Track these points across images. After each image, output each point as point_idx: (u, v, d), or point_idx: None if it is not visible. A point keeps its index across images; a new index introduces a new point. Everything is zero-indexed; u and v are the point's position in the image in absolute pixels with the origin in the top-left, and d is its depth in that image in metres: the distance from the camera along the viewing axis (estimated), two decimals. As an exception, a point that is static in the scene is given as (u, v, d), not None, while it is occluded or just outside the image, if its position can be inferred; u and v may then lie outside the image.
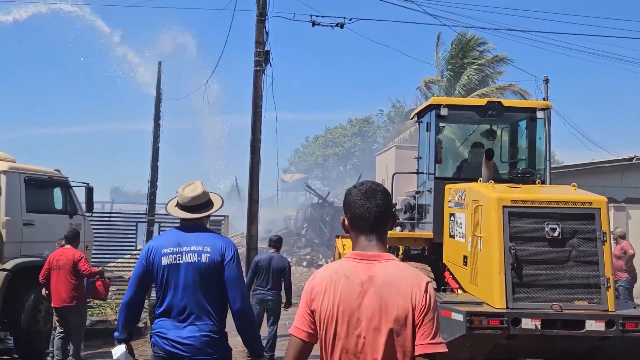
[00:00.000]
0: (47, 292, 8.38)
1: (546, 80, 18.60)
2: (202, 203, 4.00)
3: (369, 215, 2.36)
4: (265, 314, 8.96)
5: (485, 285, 6.60)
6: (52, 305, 8.34)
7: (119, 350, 3.93)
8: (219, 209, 4.13)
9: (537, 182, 7.82)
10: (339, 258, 13.46)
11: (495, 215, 6.46)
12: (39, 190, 9.96)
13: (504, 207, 6.45)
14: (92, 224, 13.85)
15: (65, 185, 10.40)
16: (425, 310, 2.23)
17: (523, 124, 9.21)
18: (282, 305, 9.26)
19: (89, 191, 10.56)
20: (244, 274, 5.87)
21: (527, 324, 6.04)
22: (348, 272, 2.31)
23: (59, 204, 10.32)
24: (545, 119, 8.98)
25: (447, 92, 34.19)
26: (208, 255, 3.77)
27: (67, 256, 8.28)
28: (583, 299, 6.30)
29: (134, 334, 4.09)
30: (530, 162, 9.02)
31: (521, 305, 6.22)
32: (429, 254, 8.87)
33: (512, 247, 6.30)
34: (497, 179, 8.50)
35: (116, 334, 3.99)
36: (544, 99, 17.20)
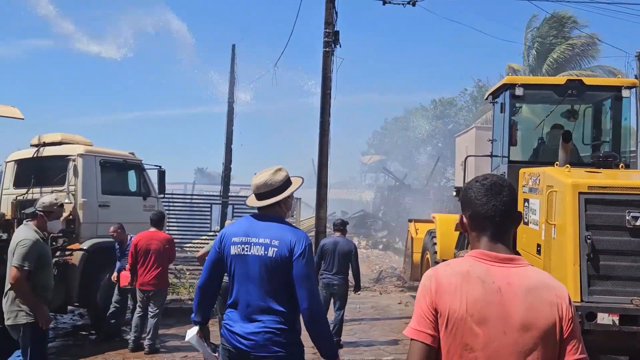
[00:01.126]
0: (116, 277, 8.70)
1: (639, 56, 17.34)
2: (272, 190, 3.68)
3: (495, 213, 2.11)
4: (332, 299, 8.87)
5: (560, 276, 6.18)
6: (137, 287, 8.46)
7: (191, 332, 3.89)
8: (294, 191, 3.81)
9: (620, 166, 7.26)
10: (411, 243, 13.24)
11: (570, 202, 6.03)
12: (113, 172, 10.25)
13: (580, 193, 6.00)
14: (172, 205, 14.26)
15: (139, 168, 10.65)
16: (572, 322, 2.02)
17: (608, 104, 8.61)
18: (350, 289, 9.14)
19: (161, 174, 10.78)
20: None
21: (604, 319, 5.62)
22: (482, 274, 2.05)
23: (133, 186, 10.59)
24: (638, 97, 8.37)
25: (533, 72, 32.86)
26: (275, 249, 3.50)
27: (159, 239, 8.42)
28: (668, 294, 5.79)
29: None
30: (615, 144, 8.41)
31: (597, 299, 5.79)
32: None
33: (589, 237, 5.86)
34: (578, 163, 7.99)
35: (192, 315, 3.93)
36: (636, 77, 16.08)
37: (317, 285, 3.79)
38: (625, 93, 7.95)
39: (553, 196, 6.42)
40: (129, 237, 9.05)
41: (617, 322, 5.58)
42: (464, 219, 2.20)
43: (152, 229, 8.59)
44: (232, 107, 14.94)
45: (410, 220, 13.91)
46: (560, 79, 8.15)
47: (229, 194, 15.07)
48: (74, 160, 9.61)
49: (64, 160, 9.67)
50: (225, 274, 3.73)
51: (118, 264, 9.19)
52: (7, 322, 5.32)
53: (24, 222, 5.79)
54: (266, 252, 3.50)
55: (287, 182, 3.79)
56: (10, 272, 5.27)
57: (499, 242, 2.12)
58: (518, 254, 2.18)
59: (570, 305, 2.04)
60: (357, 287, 9.16)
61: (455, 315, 2.03)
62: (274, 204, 3.69)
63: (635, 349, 5.94)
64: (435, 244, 10.56)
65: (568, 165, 6.72)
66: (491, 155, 9.32)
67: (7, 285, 5.36)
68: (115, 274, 9.06)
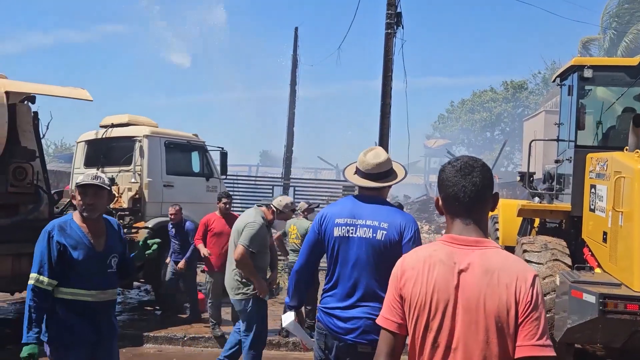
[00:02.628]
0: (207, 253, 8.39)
1: None
2: (384, 171, 3.57)
3: (464, 195, 2.05)
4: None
5: (625, 265, 5.96)
6: (211, 270, 8.43)
7: (288, 317, 3.79)
8: (402, 179, 3.72)
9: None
10: (493, 228, 12.96)
11: (638, 189, 5.77)
12: (178, 153, 10.51)
13: (648, 179, 5.73)
14: (235, 187, 14.51)
15: (202, 149, 10.88)
16: (531, 306, 1.92)
17: (686, 86, 8.15)
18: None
19: (223, 155, 10.97)
20: None
21: (671, 311, 5.37)
22: (444, 257, 2.04)
23: (196, 167, 10.82)
24: None
25: (608, 54, 31.52)
26: (384, 232, 3.36)
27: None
28: None
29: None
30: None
31: (665, 290, 5.54)
32: (567, 228, 8.21)
33: (657, 224, 5.60)
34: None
35: (287, 299, 3.84)
36: None
37: None
38: (703, 74, 7.50)
39: (621, 182, 6.16)
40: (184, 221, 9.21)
41: (686, 315, 5.33)
42: (439, 201, 2.15)
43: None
44: (294, 90, 15.02)
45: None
46: (633, 60, 7.76)
47: (290, 176, 15.20)
48: (139, 141, 9.90)
49: (130, 141, 9.99)
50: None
51: (172, 247, 9.32)
52: (235, 297, 5.82)
53: (255, 205, 6.22)
54: (374, 235, 3.38)
55: (392, 165, 3.70)
56: (237, 249, 5.66)
57: (471, 223, 2.07)
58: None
59: (532, 288, 1.94)
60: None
61: (417, 299, 2.03)
62: (384, 187, 3.60)
63: None
64: (497, 229, 10.32)
65: (638, 151, 6.42)
66: (557, 140, 9.02)
67: (232, 264, 5.81)
68: (169, 259, 9.30)
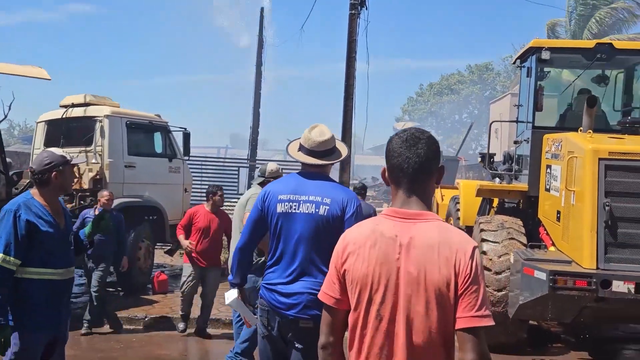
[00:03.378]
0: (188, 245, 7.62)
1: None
2: (329, 149, 3.61)
3: (408, 166, 2.05)
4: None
5: (576, 243, 6.11)
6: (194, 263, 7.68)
7: (231, 295, 3.78)
8: (344, 158, 3.77)
9: (647, 132, 7.05)
10: (436, 209, 13.15)
11: (589, 168, 5.91)
12: (140, 134, 10.39)
13: (599, 159, 5.87)
14: (204, 169, 14.44)
15: (164, 130, 10.77)
16: (470, 279, 1.94)
17: (640, 69, 8.34)
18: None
19: (186, 136, 10.87)
20: None
21: (619, 286, 5.53)
22: (386, 231, 2.03)
23: (158, 148, 10.72)
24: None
25: (574, 37, 31.93)
26: (327, 207, 3.38)
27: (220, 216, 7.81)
28: (687, 263, 5.67)
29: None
30: (645, 111, 8.17)
31: (613, 267, 5.70)
32: (525, 208, 8.38)
33: (607, 203, 5.75)
34: (606, 129, 7.80)
35: (230, 277, 3.83)
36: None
37: None
38: (657, 56, 7.68)
39: (573, 162, 6.30)
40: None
41: (632, 290, 5.50)
42: (385, 172, 2.16)
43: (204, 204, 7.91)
44: (260, 71, 14.94)
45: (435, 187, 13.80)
46: (589, 42, 7.91)
47: (257, 157, 15.18)
48: (100, 121, 9.76)
49: (91, 121, 9.84)
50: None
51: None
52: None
53: (253, 183, 6.07)
54: (317, 210, 3.40)
55: (335, 142, 3.74)
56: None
57: (414, 195, 2.08)
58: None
59: (471, 261, 1.97)
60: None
61: (359, 274, 2.05)
62: (328, 164, 3.63)
63: (650, 317, 5.86)
64: (458, 210, 10.48)
65: (590, 131, 6.56)
66: (517, 121, 9.15)
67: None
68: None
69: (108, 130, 9.76)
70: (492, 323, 1.95)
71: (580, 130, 6.91)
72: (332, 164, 3.68)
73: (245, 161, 15.04)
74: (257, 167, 14.72)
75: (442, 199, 12.89)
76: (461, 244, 2.00)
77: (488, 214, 8.86)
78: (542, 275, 5.70)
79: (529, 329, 7.67)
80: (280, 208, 3.48)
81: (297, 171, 3.75)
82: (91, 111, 10.00)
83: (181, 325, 7.79)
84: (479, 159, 10.33)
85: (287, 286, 3.41)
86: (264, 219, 3.55)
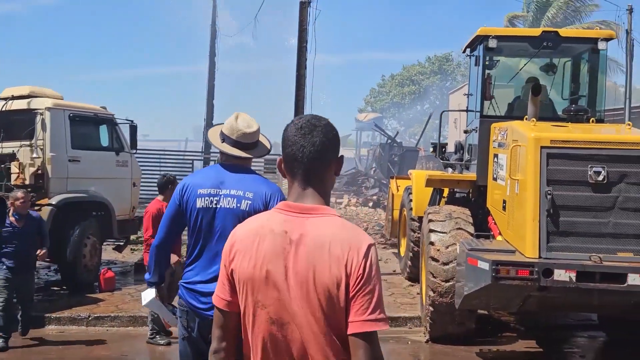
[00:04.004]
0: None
1: (630, 10, 16.82)
2: (256, 141, 3.47)
3: (302, 155, 1.89)
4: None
5: (519, 232, 6.09)
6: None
7: (148, 295, 3.61)
8: (268, 152, 3.63)
9: (591, 120, 7.07)
10: (392, 199, 13.11)
11: (531, 157, 5.88)
12: (84, 127, 10.05)
13: (542, 147, 5.84)
14: (148, 162, 14.11)
15: (110, 122, 10.44)
16: (363, 279, 1.77)
17: (586, 57, 8.36)
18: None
19: (133, 128, 10.57)
20: None
21: (561, 275, 5.51)
22: (276, 227, 1.87)
23: (105, 141, 10.40)
24: (628, 52, 8.12)
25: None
26: (249, 202, 3.24)
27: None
28: (628, 250, 5.69)
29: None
30: (591, 99, 8.21)
31: (556, 255, 5.69)
32: (474, 198, 8.36)
33: (549, 192, 5.72)
34: (553, 117, 7.82)
35: (147, 276, 3.65)
36: (627, 32, 15.71)
37: None
38: (601, 45, 7.70)
39: (517, 151, 6.27)
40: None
41: (574, 279, 5.48)
42: (282, 163, 1.99)
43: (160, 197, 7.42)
44: (213, 62, 14.66)
45: (392, 177, 13.76)
46: (536, 31, 7.89)
47: (211, 150, 14.92)
48: (41, 114, 9.40)
49: (31, 114, 9.48)
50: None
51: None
52: None
53: None
54: (239, 205, 3.26)
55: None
56: None
57: (309, 187, 1.92)
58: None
59: (365, 260, 1.80)
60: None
61: (245, 273, 1.89)
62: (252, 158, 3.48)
63: (592, 305, 5.86)
64: (411, 200, 10.43)
65: (534, 119, 6.54)
66: (467, 110, 9.12)
67: None
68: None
69: (50, 123, 9.41)
70: (386, 327, 1.80)
71: (526, 119, 6.90)
72: (258, 157, 3.55)
73: (200, 154, 14.76)
74: (212, 160, 14.46)
75: (398, 190, 12.85)
76: (355, 241, 1.83)
77: (439, 204, 8.81)
78: (485, 266, 5.64)
79: (479, 318, 7.68)
80: (200, 203, 3.31)
81: (217, 162, 3.58)
82: (32, 104, 9.62)
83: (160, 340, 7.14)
84: (431, 149, 10.32)
85: (207, 285, 3.23)
86: (183, 214, 3.38)
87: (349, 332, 1.78)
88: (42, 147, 9.37)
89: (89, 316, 8.06)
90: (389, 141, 27.38)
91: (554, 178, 5.79)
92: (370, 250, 1.83)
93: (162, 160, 16.00)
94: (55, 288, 9.81)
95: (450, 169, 10.18)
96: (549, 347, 7.28)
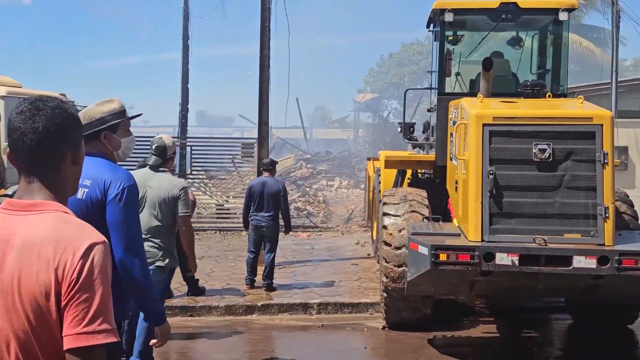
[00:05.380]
0: None
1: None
2: (92, 122, 3.16)
3: (23, 143, 1.62)
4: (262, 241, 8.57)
5: (465, 214, 5.82)
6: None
7: None
8: (107, 125, 3.24)
9: (547, 95, 6.75)
10: (368, 181, 12.84)
11: (473, 135, 5.59)
12: (42, 115, 9.83)
13: (484, 125, 5.54)
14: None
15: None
16: (78, 285, 1.51)
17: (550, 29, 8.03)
18: (282, 230, 8.82)
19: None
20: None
21: (503, 259, 5.24)
22: None
23: (64, 129, 10.17)
24: (612, 24, 7.79)
25: None
26: (86, 191, 3.03)
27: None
28: (575, 232, 5.41)
29: None
30: (555, 72, 7.88)
31: (499, 238, 5.41)
32: (435, 179, 8.09)
33: (491, 172, 5.44)
34: (514, 93, 7.50)
35: None
36: (613, 2, 15.20)
37: (139, 234, 3.13)
38: (562, 16, 7.35)
39: (462, 129, 5.98)
40: None
41: (516, 263, 5.21)
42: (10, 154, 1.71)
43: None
44: (187, 45, 14.36)
45: (369, 159, 13.46)
46: (494, 3, 7.51)
47: (187, 135, 14.67)
48: (-5, 103, 9.21)
49: (-15, 103, 9.29)
50: None
51: None
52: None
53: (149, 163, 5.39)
54: (78, 196, 3.00)
55: (117, 115, 3.25)
56: (186, 220, 5.23)
57: (36, 180, 1.65)
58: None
59: (82, 263, 1.52)
60: (288, 228, 8.83)
61: None
62: (96, 139, 3.16)
63: (540, 289, 5.60)
64: (380, 182, 10.18)
65: (480, 95, 6.24)
66: (430, 88, 8.82)
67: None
68: None
69: (3, 111, 9.21)
70: (106, 341, 1.52)
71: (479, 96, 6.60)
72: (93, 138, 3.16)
73: (176, 139, 14.49)
74: (189, 146, 14.20)
75: (374, 171, 12.58)
76: (72, 241, 1.56)
77: (401, 186, 8.55)
78: (425, 250, 5.38)
79: (445, 302, 7.45)
80: None
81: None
82: (-15, 92, 9.43)
83: None
84: (399, 129, 10.02)
85: None
86: None
87: (64, 348, 1.51)
88: (-4, 136, 9.19)
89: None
90: (381, 122, 27.01)
91: (497, 157, 5.50)
92: (93, 250, 1.56)
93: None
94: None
95: (420, 150, 9.91)
96: (508, 332, 7.04)
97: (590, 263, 5.17)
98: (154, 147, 5.31)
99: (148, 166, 5.34)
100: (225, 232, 13.83)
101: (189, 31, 14.25)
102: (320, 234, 14.11)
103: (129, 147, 3.27)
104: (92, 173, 2.99)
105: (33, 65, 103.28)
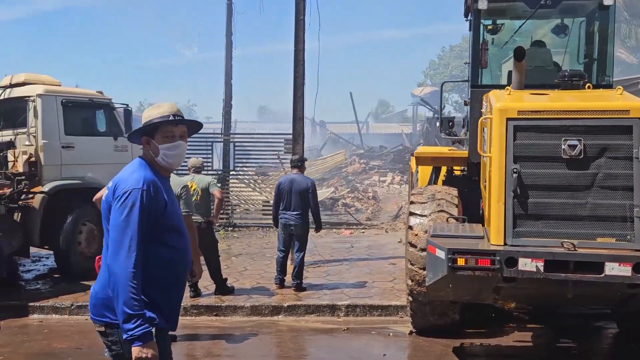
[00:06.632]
0: None
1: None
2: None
3: None
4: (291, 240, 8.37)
5: (488, 216, 5.41)
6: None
7: None
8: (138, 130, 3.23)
9: (587, 86, 6.22)
10: (410, 178, 12.41)
11: (497, 130, 5.17)
12: (79, 112, 9.92)
13: (507, 119, 5.11)
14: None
15: (107, 107, 10.27)
16: None
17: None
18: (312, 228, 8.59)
19: (127, 112, 10.32)
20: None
21: (526, 265, 4.81)
22: None
23: (101, 126, 10.24)
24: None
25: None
26: (107, 193, 3.03)
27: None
28: (609, 235, 4.91)
29: None
30: (601, 62, 7.30)
31: (523, 242, 4.98)
32: (471, 176, 7.65)
33: (515, 170, 5.02)
34: (554, 85, 6.99)
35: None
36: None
37: (132, 240, 2.91)
38: (607, 1, 6.79)
39: (488, 124, 5.57)
40: None
41: (541, 269, 4.78)
42: None
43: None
44: (230, 41, 14.30)
45: (412, 155, 13.01)
46: (531, -13, 7.02)
47: (230, 131, 14.61)
48: (33, 101, 9.34)
49: (24, 101, 9.43)
50: None
51: None
52: None
53: None
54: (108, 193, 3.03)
55: (154, 120, 3.13)
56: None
57: None
58: None
59: None
60: (318, 227, 8.59)
61: None
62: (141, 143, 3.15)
63: (566, 298, 5.13)
64: (418, 180, 9.79)
65: (509, 88, 5.80)
66: (468, 81, 8.35)
67: None
68: None
69: (41, 110, 9.32)
70: None
71: (508, 88, 6.15)
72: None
73: (219, 136, 14.47)
74: (232, 142, 14.15)
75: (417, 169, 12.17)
76: None
77: (435, 183, 8.15)
78: (442, 254, 5.02)
79: (480, 306, 7.04)
80: None
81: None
82: (25, 91, 9.58)
83: None
84: (438, 124, 9.61)
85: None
86: None
87: None
88: (34, 134, 9.31)
89: (72, 305, 7.94)
90: (436, 116, 26.34)
91: (522, 154, 5.06)
92: None
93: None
94: (56, 275, 9.79)
95: (460, 146, 9.45)
96: (543, 341, 6.56)
97: (625, 270, 4.67)
98: None
99: None
100: (267, 228, 13.72)
101: (233, 27, 14.16)
102: (363, 232, 13.80)
103: (168, 154, 3.06)
104: (117, 175, 3.03)
105: (77, 64, 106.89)
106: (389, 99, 75.40)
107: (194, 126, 3.29)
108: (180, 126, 3.10)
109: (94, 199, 5.58)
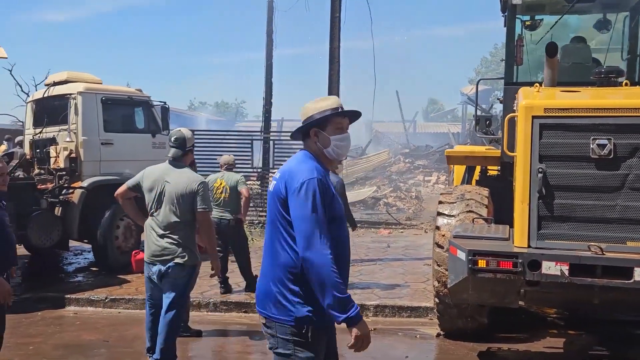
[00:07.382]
0: None
1: None
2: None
3: None
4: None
5: (514, 217, 5.24)
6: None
7: None
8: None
9: (624, 83, 5.95)
10: (448, 176, 12.19)
11: (522, 128, 5.01)
12: (118, 110, 10.13)
13: (533, 117, 4.93)
14: (208, 143, 14.09)
15: (146, 105, 10.45)
16: None
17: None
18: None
19: (164, 110, 10.49)
20: None
21: (550, 268, 4.63)
22: None
23: (140, 123, 10.43)
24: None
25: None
26: (274, 183, 3.13)
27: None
28: (639, 240, 4.69)
29: None
30: (644, 59, 6.99)
31: (547, 245, 4.81)
32: (505, 176, 7.44)
33: (541, 169, 4.84)
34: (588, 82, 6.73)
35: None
36: None
37: (320, 228, 2.75)
38: (651, -7, 6.49)
39: (515, 122, 5.39)
40: None
41: (566, 273, 4.59)
42: None
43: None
44: (271, 39, 14.35)
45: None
46: (568, -19, 6.77)
47: (270, 130, 14.64)
48: (74, 99, 9.59)
49: (65, 98, 9.69)
50: None
51: None
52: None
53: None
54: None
55: (325, 112, 3.13)
56: (206, 215, 5.16)
57: None
58: None
59: None
60: (351, 225, 8.50)
61: None
62: (308, 137, 3.13)
63: (593, 304, 4.92)
64: (454, 179, 9.62)
65: (537, 84, 5.60)
66: (502, 78, 8.12)
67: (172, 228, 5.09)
68: None
69: (81, 107, 9.57)
70: None
71: (537, 85, 5.94)
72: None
73: (259, 134, 14.54)
74: (271, 140, 14.19)
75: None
76: None
77: (469, 183, 7.97)
78: (462, 255, 4.89)
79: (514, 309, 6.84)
80: None
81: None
82: (67, 89, 9.84)
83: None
84: (474, 123, 9.39)
85: None
86: None
87: None
88: (75, 131, 9.55)
89: (106, 298, 8.10)
90: (482, 113, 25.84)
91: (548, 153, 4.88)
92: None
93: (223, 141, 15.11)
94: (94, 269, 10.02)
95: (497, 145, 9.22)
96: (575, 349, 6.31)
97: (656, 276, 4.46)
98: (173, 139, 5.26)
99: (168, 160, 5.27)
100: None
101: (273, 25, 14.20)
102: (402, 232, 13.66)
103: (339, 145, 3.07)
104: (284, 167, 3.06)
105: (123, 63, 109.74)
106: (439, 98, 74.44)
107: (355, 116, 3.27)
108: (345, 118, 3.14)
109: (115, 194, 5.68)
